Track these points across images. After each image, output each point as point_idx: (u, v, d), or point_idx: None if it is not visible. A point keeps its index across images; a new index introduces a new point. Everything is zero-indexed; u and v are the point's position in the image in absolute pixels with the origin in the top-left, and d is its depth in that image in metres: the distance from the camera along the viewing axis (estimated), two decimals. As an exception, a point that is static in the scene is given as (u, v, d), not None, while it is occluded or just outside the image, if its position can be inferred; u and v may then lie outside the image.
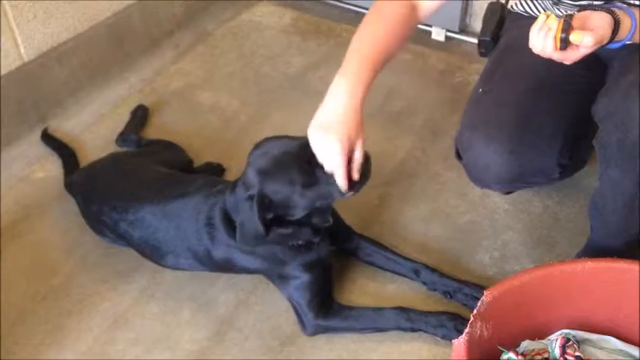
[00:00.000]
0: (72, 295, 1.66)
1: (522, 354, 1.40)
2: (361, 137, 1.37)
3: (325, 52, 2.46)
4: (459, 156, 1.61)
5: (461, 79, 2.33)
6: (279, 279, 1.58)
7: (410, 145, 2.08)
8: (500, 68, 1.61)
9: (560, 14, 1.47)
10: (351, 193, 1.41)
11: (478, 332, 1.33)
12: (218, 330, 1.59)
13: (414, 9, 1.48)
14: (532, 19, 1.31)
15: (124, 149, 2.03)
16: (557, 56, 1.27)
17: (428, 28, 2.51)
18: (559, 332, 1.43)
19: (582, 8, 1.31)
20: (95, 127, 2.15)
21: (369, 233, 1.75)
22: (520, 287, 1.38)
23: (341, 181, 1.38)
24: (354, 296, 1.66)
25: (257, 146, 1.49)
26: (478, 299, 1.35)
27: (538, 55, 1.29)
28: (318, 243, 1.56)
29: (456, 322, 1.52)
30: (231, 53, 2.47)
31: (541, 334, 1.44)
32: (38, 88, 2.12)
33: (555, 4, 1.54)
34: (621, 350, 1.42)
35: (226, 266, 1.61)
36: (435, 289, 1.64)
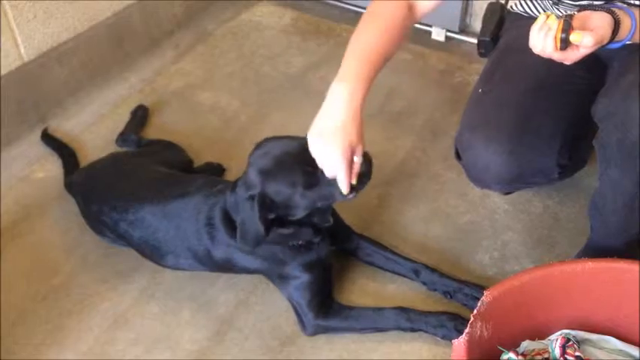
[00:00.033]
0: (72, 295, 1.66)
1: (522, 354, 1.40)
2: (362, 143, 1.36)
3: (325, 52, 2.46)
4: (458, 156, 1.61)
5: (461, 79, 2.33)
6: (279, 279, 1.59)
7: (410, 145, 2.08)
8: (500, 69, 1.61)
9: (560, 14, 1.47)
10: (353, 195, 1.41)
11: (478, 332, 1.33)
12: (218, 330, 1.59)
13: (411, 9, 1.47)
14: (532, 19, 1.32)
15: (124, 149, 2.03)
16: (558, 56, 1.27)
17: (428, 28, 2.51)
18: (559, 332, 1.43)
19: (582, 8, 1.31)
20: (95, 127, 2.15)
21: (369, 233, 1.75)
22: (520, 287, 1.38)
23: (343, 186, 1.38)
24: (354, 296, 1.66)
25: (258, 146, 1.49)
26: (478, 299, 1.35)
27: (538, 56, 1.29)
28: (318, 243, 1.56)
29: (456, 322, 1.52)
30: (231, 53, 2.47)
31: (541, 334, 1.45)
32: (38, 88, 2.13)
33: (555, 4, 1.54)
34: (621, 350, 1.42)
35: (226, 266, 1.61)
36: (435, 289, 1.64)
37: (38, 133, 2.09)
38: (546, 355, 1.39)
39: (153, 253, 1.65)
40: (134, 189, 1.69)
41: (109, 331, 1.59)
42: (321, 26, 2.60)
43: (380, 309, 1.58)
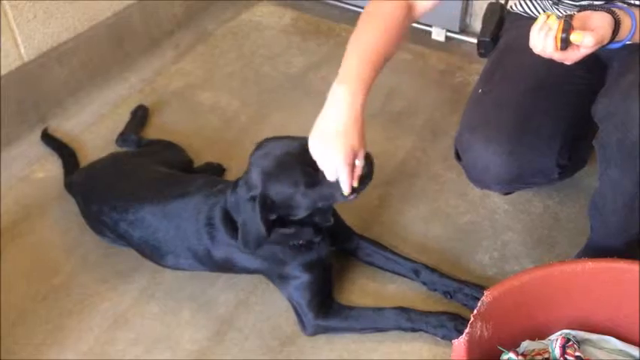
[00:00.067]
0: (72, 295, 1.66)
1: (522, 354, 1.40)
2: (363, 146, 1.36)
3: (325, 52, 2.46)
4: (458, 157, 1.60)
5: (461, 79, 2.33)
6: (279, 279, 1.59)
7: (410, 145, 2.08)
8: (500, 69, 1.61)
9: (560, 14, 1.47)
10: (354, 196, 1.41)
11: (478, 332, 1.33)
12: (218, 330, 1.59)
13: (410, 8, 1.47)
14: (531, 19, 1.32)
15: (124, 149, 2.03)
16: (558, 56, 1.27)
17: (428, 28, 2.51)
18: (559, 332, 1.43)
19: (582, 8, 1.31)
20: (95, 127, 2.15)
21: (369, 233, 1.75)
22: (520, 287, 1.38)
23: (344, 188, 1.38)
24: (354, 296, 1.66)
25: (259, 146, 1.49)
26: (478, 299, 1.35)
27: (537, 56, 1.29)
28: (318, 243, 1.56)
29: (456, 322, 1.52)
30: (231, 53, 2.47)
31: (541, 334, 1.45)
32: (38, 88, 2.13)
33: (555, 4, 1.54)
34: (621, 350, 1.42)
35: (226, 266, 1.61)
36: (435, 289, 1.64)
37: (38, 133, 2.09)
38: (546, 355, 1.39)
39: (153, 253, 1.65)
40: (134, 189, 1.69)
41: (109, 331, 1.59)
42: (321, 26, 2.60)
43: (380, 309, 1.58)
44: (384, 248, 1.70)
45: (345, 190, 1.37)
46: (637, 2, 1.35)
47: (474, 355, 1.28)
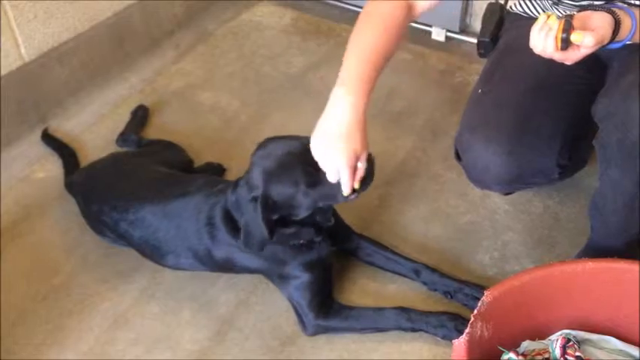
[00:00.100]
0: (72, 295, 1.66)
1: (523, 354, 1.40)
2: (365, 149, 1.36)
3: (326, 52, 2.46)
4: (458, 157, 1.60)
5: (461, 79, 2.33)
6: (280, 279, 1.59)
7: (410, 145, 2.08)
8: (500, 69, 1.61)
9: (560, 14, 1.47)
10: (354, 196, 1.41)
11: (478, 332, 1.33)
12: (218, 330, 1.59)
13: (409, 8, 1.46)
14: (531, 19, 1.32)
15: (125, 149, 2.03)
16: (558, 56, 1.27)
17: (428, 28, 2.51)
18: (559, 332, 1.44)
19: (583, 8, 1.31)
20: (95, 127, 2.15)
21: (369, 233, 1.75)
22: (520, 287, 1.38)
23: (345, 189, 1.37)
24: (354, 296, 1.66)
25: (260, 146, 1.49)
26: (478, 299, 1.35)
27: (537, 56, 1.29)
28: (319, 243, 1.56)
29: (456, 322, 1.52)
30: (231, 53, 2.47)
31: (541, 334, 1.45)
32: (38, 88, 2.13)
33: (555, 4, 1.54)
34: (621, 350, 1.42)
35: (227, 266, 1.61)
36: (435, 289, 1.64)
37: (38, 133, 2.09)
38: (547, 356, 1.39)
39: (153, 252, 1.65)
40: (134, 189, 1.69)
41: (109, 331, 1.59)
42: (321, 26, 2.60)
43: (380, 309, 1.58)
44: (385, 248, 1.70)
45: (346, 189, 1.37)
46: (637, 2, 1.35)
47: (474, 355, 1.28)
